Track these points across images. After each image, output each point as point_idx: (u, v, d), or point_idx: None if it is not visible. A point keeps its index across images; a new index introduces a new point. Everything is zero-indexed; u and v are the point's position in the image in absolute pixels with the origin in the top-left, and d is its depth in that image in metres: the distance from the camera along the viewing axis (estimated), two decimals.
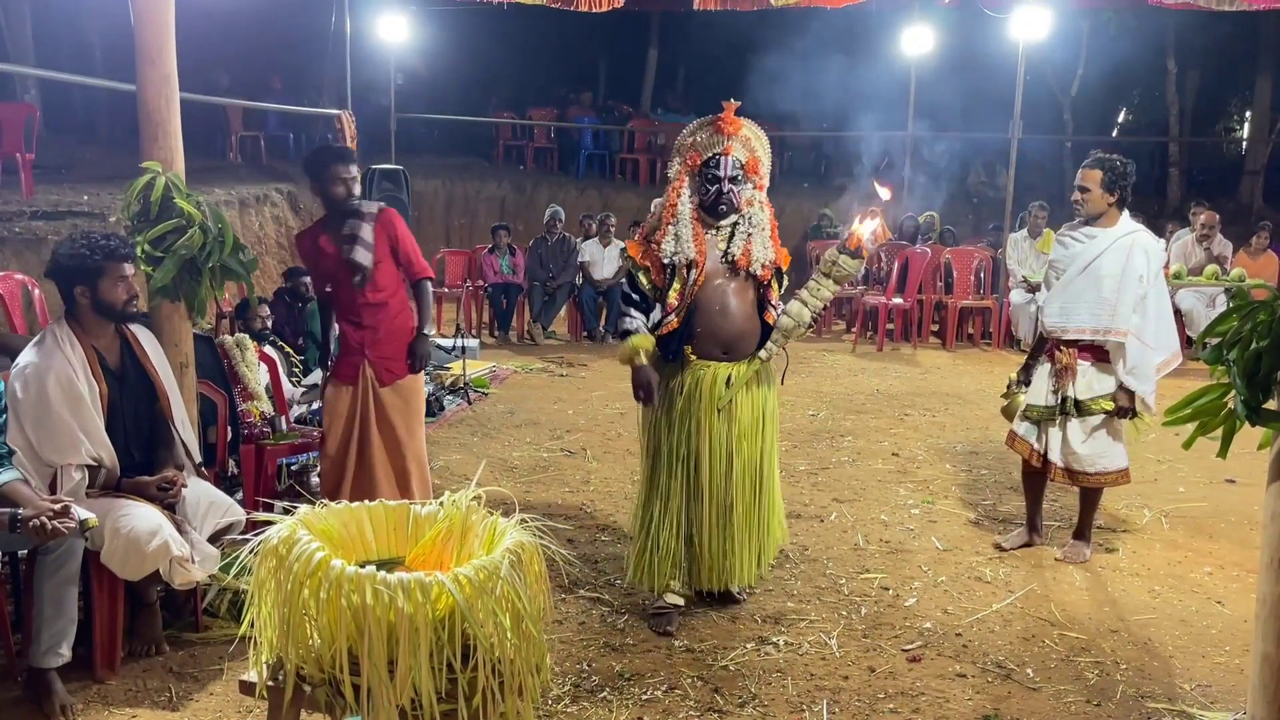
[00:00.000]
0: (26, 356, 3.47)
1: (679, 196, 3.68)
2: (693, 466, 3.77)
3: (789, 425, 7.07)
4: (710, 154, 3.64)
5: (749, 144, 3.66)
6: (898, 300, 10.46)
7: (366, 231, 4.37)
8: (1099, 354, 4.43)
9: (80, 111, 14.20)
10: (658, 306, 3.79)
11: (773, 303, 3.76)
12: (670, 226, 3.68)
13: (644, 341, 3.67)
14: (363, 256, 4.35)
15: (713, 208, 3.67)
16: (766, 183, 3.73)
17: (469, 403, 7.68)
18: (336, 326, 4.57)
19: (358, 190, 4.42)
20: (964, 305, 10.56)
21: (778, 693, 3.45)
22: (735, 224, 3.73)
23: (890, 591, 4.30)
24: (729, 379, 3.71)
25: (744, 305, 3.71)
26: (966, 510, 5.38)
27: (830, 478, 5.88)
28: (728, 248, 3.71)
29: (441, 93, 16.38)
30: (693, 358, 3.71)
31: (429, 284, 4.63)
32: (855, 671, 3.61)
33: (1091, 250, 4.39)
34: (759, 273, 3.69)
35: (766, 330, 3.77)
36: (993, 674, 3.61)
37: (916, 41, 12.38)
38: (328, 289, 4.54)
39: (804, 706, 3.35)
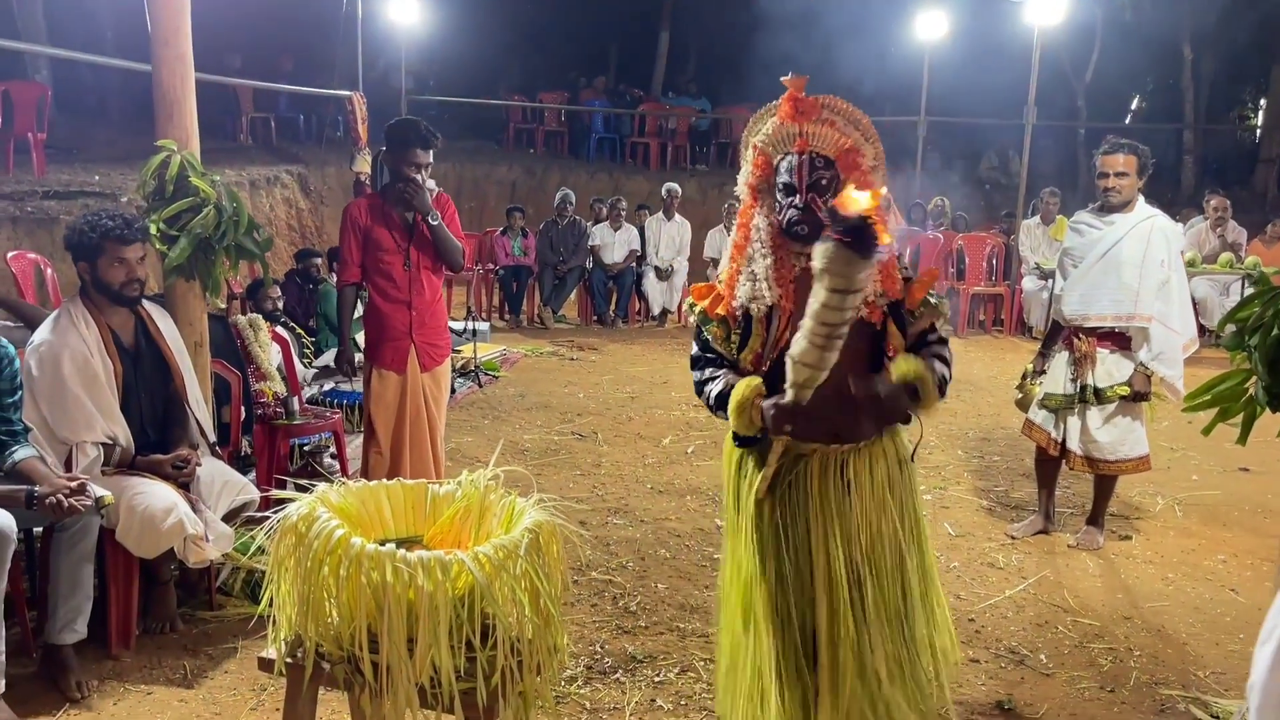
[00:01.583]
0: (42, 334, 3.48)
1: (749, 219, 2.51)
2: (799, 607, 2.49)
3: None
4: (780, 155, 2.44)
5: (834, 130, 2.39)
6: None
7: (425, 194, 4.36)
8: (1119, 341, 4.40)
9: (91, 92, 14.19)
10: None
11: (892, 354, 2.42)
12: (743, 266, 2.48)
13: (747, 386, 2.37)
14: (425, 196, 4.32)
15: (792, 229, 2.41)
16: (879, 180, 2.39)
17: (480, 385, 7.68)
18: (360, 315, 4.55)
19: (423, 177, 4.35)
20: (976, 291, 10.52)
21: None
22: None
23: None
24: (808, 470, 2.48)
25: (854, 363, 2.36)
26: (978, 497, 5.37)
27: None
28: None
29: (452, 75, 16.34)
30: (780, 439, 2.44)
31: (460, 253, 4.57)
32: None
33: (1110, 237, 4.35)
34: (864, 312, 2.35)
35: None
36: (1006, 660, 3.60)
37: (930, 26, 12.29)
38: (355, 277, 4.47)
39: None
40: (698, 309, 2.56)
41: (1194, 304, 8.92)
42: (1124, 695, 3.39)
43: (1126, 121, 18.58)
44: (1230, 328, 2.51)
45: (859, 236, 2.03)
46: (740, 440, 2.55)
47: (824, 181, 2.37)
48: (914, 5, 12.57)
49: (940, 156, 14.65)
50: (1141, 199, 4.40)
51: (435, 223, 4.36)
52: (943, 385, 2.38)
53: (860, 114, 2.45)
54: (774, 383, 2.38)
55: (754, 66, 16.00)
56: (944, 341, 2.50)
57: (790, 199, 2.39)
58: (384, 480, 2.44)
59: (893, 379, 2.26)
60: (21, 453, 3.21)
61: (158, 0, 3.81)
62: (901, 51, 13.17)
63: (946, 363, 2.46)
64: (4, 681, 2.95)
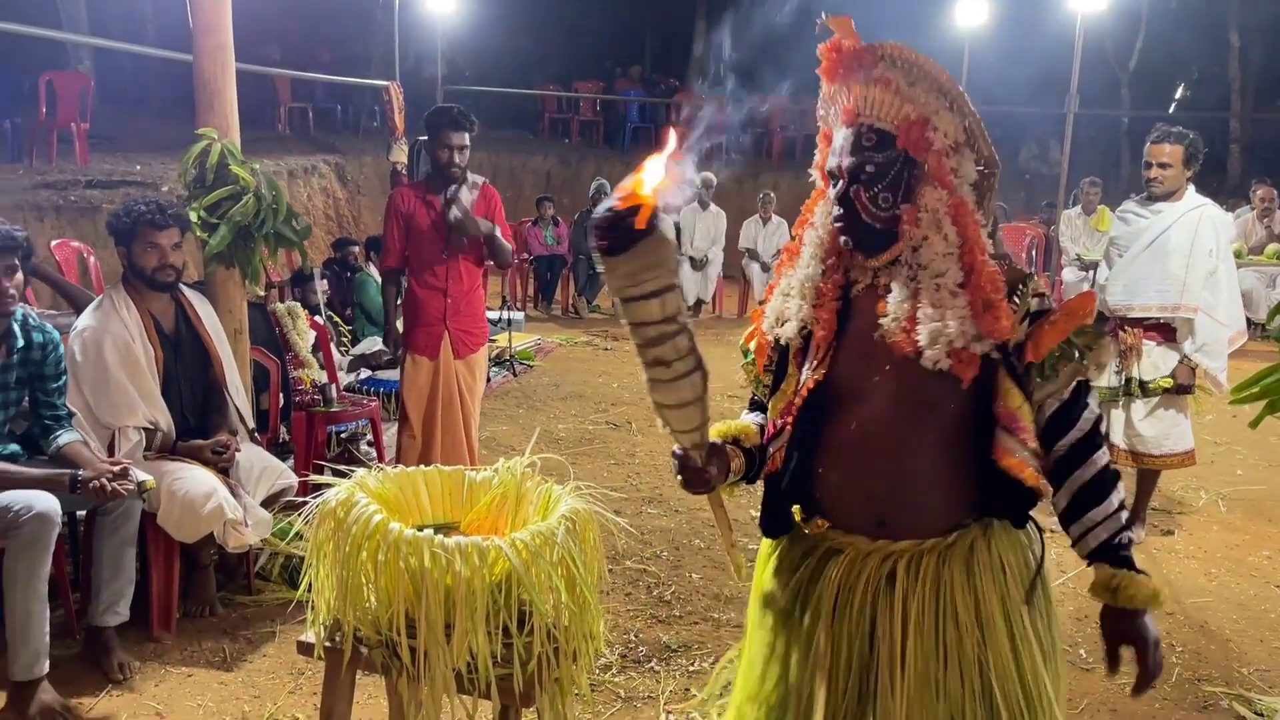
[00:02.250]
0: (85, 320, 3.53)
1: (808, 219, 1.87)
2: None
3: None
4: (836, 128, 1.82)
5: (893, 94, 1.70)
6: None
7: (467, 198, 4.41)
8: (1165, 332, 4.32)
9: (131, 82, 14.37)
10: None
11: (1010, 425, 1.66)
12: (785, 274, 1.88)
13: (726, 428, 1.93)
14: (475, 223, 4.38)
15: (845, 232, 1.76)
16: (967, 167, 1.70)
17: (515, 374, 7.70)
18: (402, 301, 4.60)
19: (461, 160, 4.40)
20: None
21: None
22: (895, 262, 1.75)
23: None
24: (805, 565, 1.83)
25: (915, 426, 1.71)
26: None
27: None
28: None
29: (489, 65, 16.37)
30: (809, 526, 1.81)
31: (510, 249, 4.61)
32: None
33: (1157, 226, 4.27)
34: (944, 364, 1.64)
35: (992, 482, 1.69)
36: None
37: (971, 13, 12.14)
38: (397, 263, 4.52)
39: None
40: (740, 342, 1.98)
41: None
42: (1165, 691, 3.34)
43: (1171, 110, 18.27)
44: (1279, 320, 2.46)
45: (607, 232, 1.53)
46: (764, 524, 1.90)
47: (871, 167, 1.69)
48: None
49: None
50: (1192, 188, 4.31)
51: (490, 232, 4.42)
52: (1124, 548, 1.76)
53: (940, 70, 1.68)
54: (798, 468, 1.78)
55: (791, 55, 15.92)
56: (1096, 429, 1.72)
57: (835, 187, 1.75)
58: (420, 466, 2.45)
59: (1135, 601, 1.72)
60: (66, 437, 3.26)
61: None
62: (940, 39, 13.01)
63: (1115, 479, 1.73)
64: (48, 662, 3.00)
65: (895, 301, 1.68)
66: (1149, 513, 4.70)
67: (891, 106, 1.69)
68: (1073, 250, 9.87)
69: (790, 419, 1.79)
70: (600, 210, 1.53)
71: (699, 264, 10.66)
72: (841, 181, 1.73)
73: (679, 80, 17.50)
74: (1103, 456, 1.72)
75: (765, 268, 10.62)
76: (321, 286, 6.62)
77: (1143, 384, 4.33)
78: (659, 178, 1.54)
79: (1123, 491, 1.75)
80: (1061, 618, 3.79)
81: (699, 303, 10.79)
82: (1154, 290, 4.27)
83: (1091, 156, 14.26)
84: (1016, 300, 1.66)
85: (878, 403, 1.72)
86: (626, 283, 1.56)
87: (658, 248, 1.53)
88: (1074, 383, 1.69)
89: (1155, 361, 4.32)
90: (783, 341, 1.82)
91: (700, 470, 1.78)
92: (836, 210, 1.76)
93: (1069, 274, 9.82)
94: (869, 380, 1.73)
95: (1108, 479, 1.72)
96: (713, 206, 10.91)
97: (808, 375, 1.78)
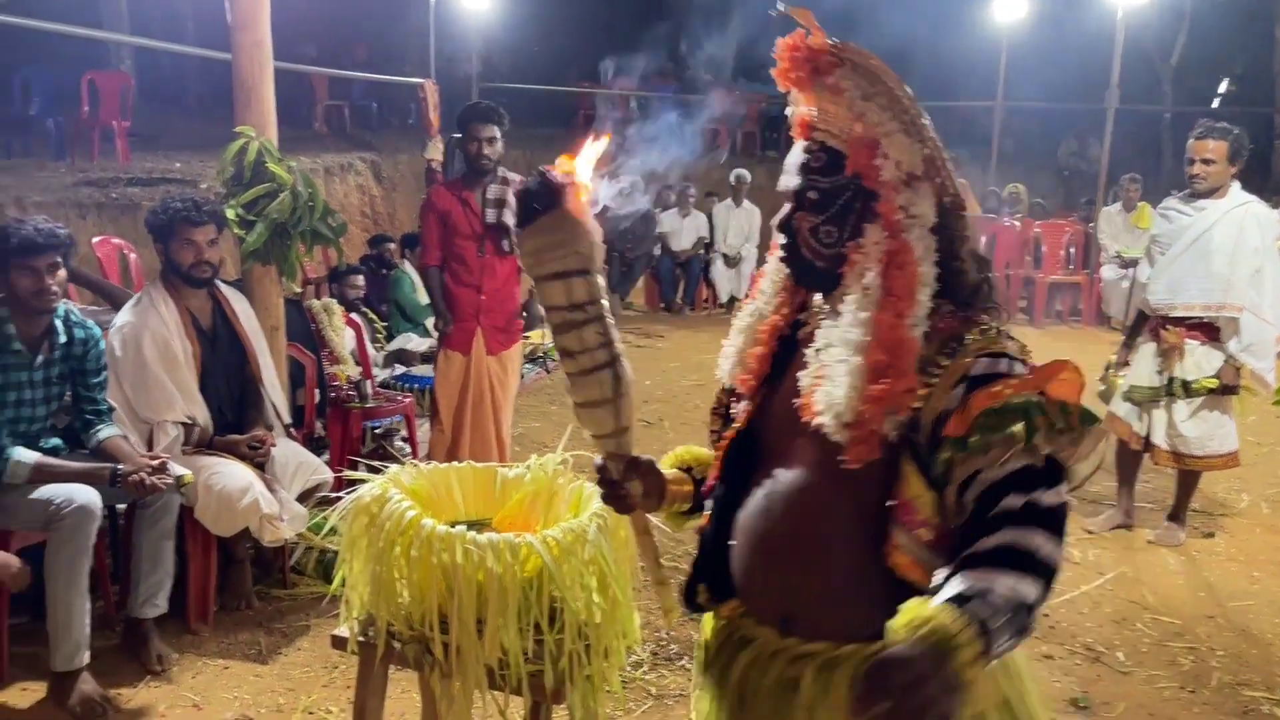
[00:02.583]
0: (124, 316, 3.57)
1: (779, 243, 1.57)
2: None
3: None
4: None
5: (849, 105, 1.42)
6: None
7: (512, 197, 4.45)
8: (1209, 332, 4.24)
9: (171, 80, 14.54)
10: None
11: (904, 517, 1.36)
12: (746, 305, 1.64)
13: (682, 454, 1.75)
14: (512, 221, 4.41)
15: (788, 264, 1.53)
16: (922, 206, 1.40)
17: (548, 371, 7.71)
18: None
19: (491, 152, 4.44)
20: (1053, 281, 10.27)
21: None
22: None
23: None
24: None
25: (832, 505, 1.43)
26: None
27: None
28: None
29: (523, 63, 16.42)
30: (720, 609, 1.59)
31: None
32: None
33: (1200, 224, 4.19)
34: (841, 437, 1.37)
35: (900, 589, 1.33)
36: (1081, 656, 3.52)
37: (1009, 7, 12.00)
38: (437, 260, 4.56)
39: None
40: None
41: None
42: (1205, 696, 3.29)
43: (1214, 105, 17.96)
44: None
45: (523, 202, 1.46)
46: (684, 591, 1.63)
47: (815, 193, 1.44)
48: None
49: (1017, 142, 14.33)
50: (1236, 185, 4.23)
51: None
52: (1019, 627, 1.21)
53: (899, 83, 1.40)
54: (714, 539, 1.55)
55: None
56: (1041, 517, 1.26)
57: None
58: (453, 463, 2.46)
59: (897, 633, 1.17)
60: (106, 431, 3.30)
61: None
62: (978, 34, 12.88)
63: (1030, 565, 1.23)
64: (88, 653, 3.04)
65: (813, 353, 1.42)
66: (1189, 514, 4.63)
67: (845, 122, 1.41)
68: (1112, 248, 9.73)
69: (716, 474, 1.57)
70: (532, 183, 1.46)
71: (733, 261, 10.62)
72: (786, 206, 1.49)
73: (713, 77, 17.44)
74: (1039, 543, 1.24)
75: None
76: (358, 282, 6.67)
77: (1186, 384, 4.25)
78: (592, 162, 1.49)
79: (1040, 599, 1.24)
80: (1098, 620, 3.76)
81: (732, 300, 10.75)
82: (1197, 289, 4.19)
83: (1132, 153, 14.07)
84: (943, 362, 1.34)
85: (797, 470, 1.44)
86: (532, 260, 1.48)
87: (563, 225, 1.44)
88: (1012, 465, 1.27)
89: (1199, 361, 4.25)
90: (725, 383, 1.60)
91: (614, 485, 1.57)
92: (779, 239, 1.51)
93: (1108, 271, 9.69)
94: (792, 441, 1.44)
95: (1031, 559, 1.24)
96: (746, 203, 10.87)
97: (729, 435, 1.56)
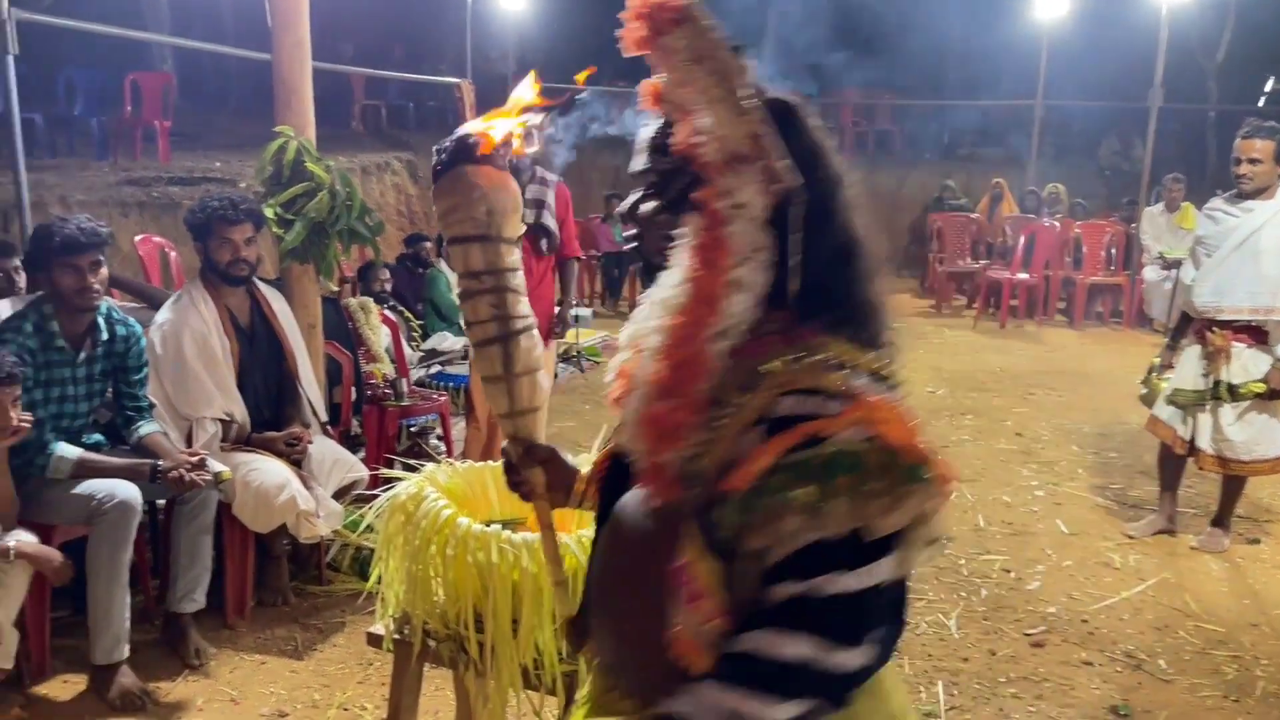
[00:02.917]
0: (164, 314, 3.61)
1: None
2: None
3: (908, 402, 6.90)
4: None
5: (676, 70, 1.16)
6: (1023, 275, 10.09)
7: (550, 198, 4.47)
8: (1256, 335, 4.15)
9: (211, 81, 14.70)
10: None
11: (680, 585, 1.11)
12: None
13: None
14: (550, 222, 4.45)
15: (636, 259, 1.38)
16: (747, 193, 1.12)
17: (581, 371, 7.73)
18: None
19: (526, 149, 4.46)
20: (1094, 282, 10.13)
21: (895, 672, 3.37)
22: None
23: (1012, 574, 4.17)
24: None
25: (634, 550, 1.23)
26: (1094, 494, 5.16)
27: (950, 456, 5.65)
28: None
29: (559, 62, 16.43)
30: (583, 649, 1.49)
31: (576, 264, 4.71)
32: (975, 654, 3.51)
33: (1247, 225, 4.10)
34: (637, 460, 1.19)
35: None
36: (1121, 663, 3.46)
37: (1050, 4, 11.84)
38: None
39: (921, 687, 3.28)
40: None
41: None
42: (1249, 705, 3.22)
43: (1261, 104, 17.64)
44: None
45: (438, 160, 1.42)
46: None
47: (655, 176, 1.26)
48: None
49: (1057, 141, 14.15)
50: None
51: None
52: None
53: (725, 47, 1.16)
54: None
55: (861, 49, 15.68)
56: (808, 616, 1.03)
57: None
58: (489, 462, 2.46)
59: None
60: (147, 428, 3.34)
61: None
62: (1017, 31, 12.73)
63: (772, 683, 1.03)
64: (128, 647, 3.08)
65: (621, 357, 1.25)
66: (1233, 520, 4.54)
67: (673, 93, 1.18)
68: (1155, 249, 9.58)
69: (593, 496, 1.42)
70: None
71: None
72: (634, 192, 1.30)
73: None
74: (805, 663, 1.04)
75: None
76: (383, 275, 6.70)
77: (1232, 388, 4.16)
78: (507, 128, 1.40)
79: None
80: (1139, 627, 3.70)
81: None
82: (1244, 291, 4.10)
83: (1175, 152, 13.85)
84: (736, 397, 1.08)
85: (633, 499, 1.23)
86: (441, 221, 1.44)
87: (457, 188, 1.38)
88: (801, 539, 1.02)
89: (1245, 365, 4.16)
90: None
91: (512, 468, 1.48)
92: (630, 229, 1.33)
93: (1150, 273, 9.54)
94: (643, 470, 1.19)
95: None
96: None
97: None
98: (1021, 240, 10.19)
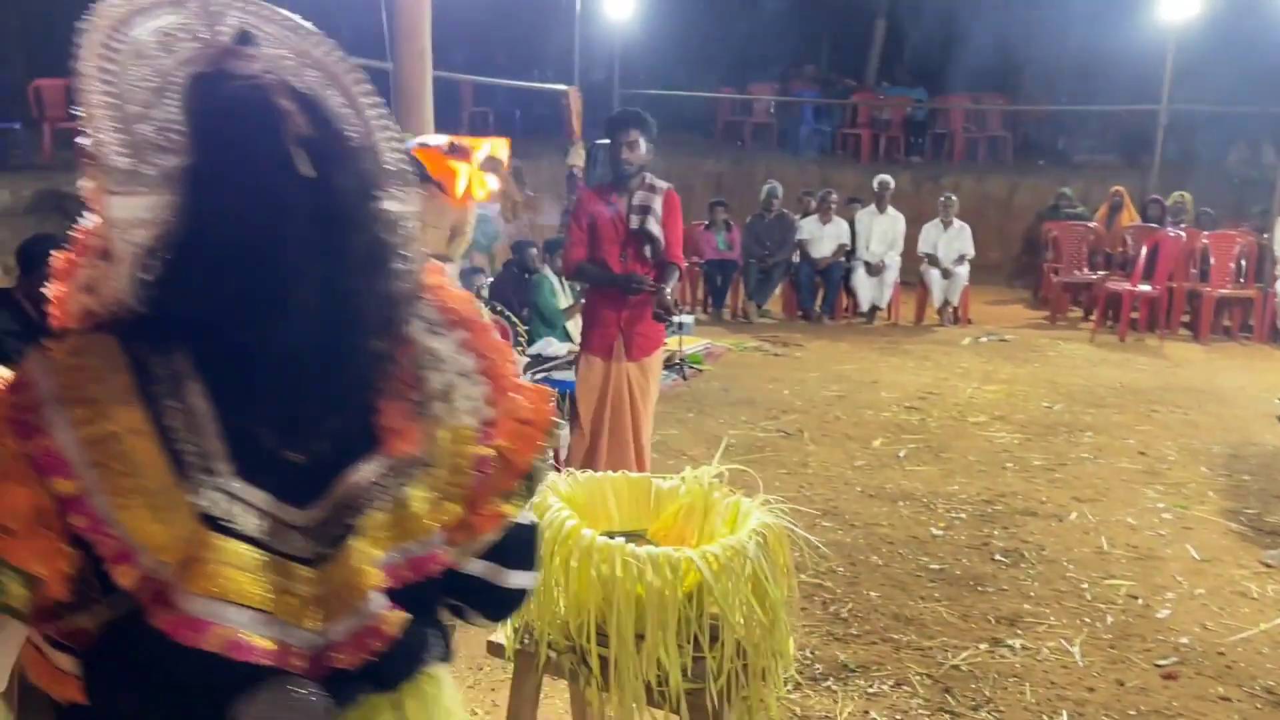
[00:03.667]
0: None
1: None
2: None
3: (1022, 416, 6.69)
4: None
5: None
6: (1144, 287, 9.69)
7: (658, 205, 4.49)
8: None
9: None
10: None
11: None
12: None
13: None
14: (655, 229, 4.47)
15: None
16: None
17: (684, 378, 7.69)
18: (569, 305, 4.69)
19: (632, 157, 4.47)
20: (1222, 294, 9.68)
21: (1015, 699, 3.25)
22: None
23: (1139, 601, 3.98)
24: None
25: None
26: (1226, 519, 4.91)
27: (1069, 474, 5.51)
28: None
29: (663, 68, 16.46)
30: None
31: (677, 270, 4.68)
32: (1101, 684, 3.35)
33: None
34: None
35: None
36: (1262, 700, 3.27)
37: (1178, 7, 11.38)
38: (582, 256, 4.60)
39: (1044, 716, 3.15)
40: None
41: None
42: None
43: None
44: None
45: None
46: None
47: None
48: None
49: (1182, 148, 13.58)
50: None
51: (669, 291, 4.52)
52: None
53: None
54: None
55: (975, 54, 15.33)
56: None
57: None
58: (606, 472, 2.44)
59: None
60: None
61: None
62: (1140, 34, 12.27)
63: None
64: None
65: None
66: None
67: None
68: None
69: None
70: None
71: (875, 269, 10.38)
72: None
73: (857, 80, 17.13)
74: None
75: (946, 274, 10.26)
76: (479, 281, 6.77)
77: None
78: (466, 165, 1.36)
79: None
80: (1258, 642, 3.50)
81: (874, 309, 10.51)
82: None
83: None
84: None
85: None
86: None
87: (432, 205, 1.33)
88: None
89: None
90: None
91: None
92: None
93: None
94: None
95: None
96: (890, 210, 10.61)
97: None
98: (1144, 250, 9.80)
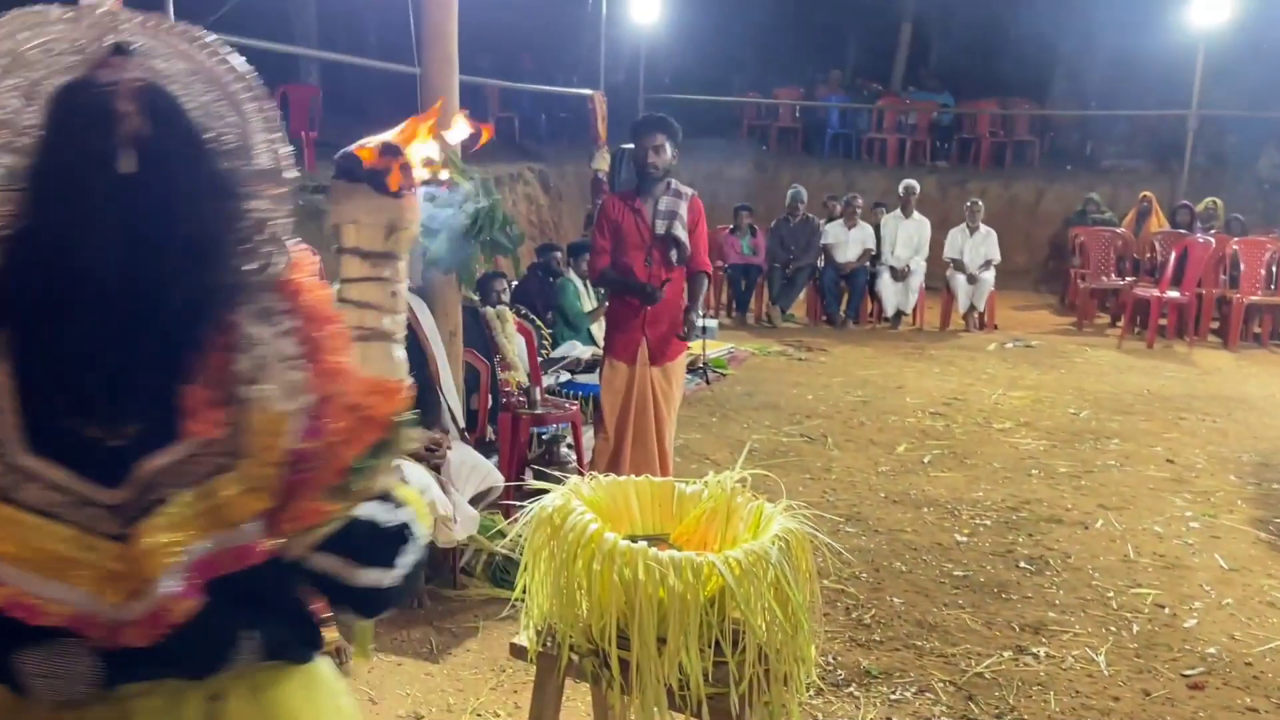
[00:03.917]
0: None
1: None
2: None
3: (1048, 423, 6.65)
4: None
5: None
6: (1173, 293, 9.60)
7: (683, 210, 4.50)
8: None
9: (353, 92, 15.23)
10: None
11: None
12: None
13: None
14: (681, 234, 4.48)
15: None
16: None
17: (708, 383, 7.68)
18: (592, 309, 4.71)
19: (657, 161, 4.49)
20: (1252, 301, 9.57)
21: (1039, 707, 3.23)
22: None
23: (1166, 610, 3.94)
24: None
25: None
26: (1256, 528, 4.86)
27: (1095, 482, 5.46)
28: None
29: (688, 73, 16.47)
30: None
31: (706, 279, 4.72)
32: (1127, 694, 3.33)
33: None
34: None
35: None
36: None
37: (1208, 10, 11.27)
38: (605, 264, 4.61)
39: None
40: None
41: None
42: None
43: None
44: None
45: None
46: None
47: None
48: None
49: (1212, 153, 13.46)
50: None
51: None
52: None
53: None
54: None
55: (1002, 58, 15.22)
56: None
57: None
58: (630, 476, 2.45)
59: None
60: None
61: (429, 3, 4.00)
62: (1170, 37, 12.16)
63: None
64: None
65: None
66: None
67: None
68: None
69: None
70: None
71: (900, 274, 10.34)
72: None
73: (882, 85, 17.07)
74: None
75: (971, 279, 10.20)
76: (499, 286, 6.78)
77: None
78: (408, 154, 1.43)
79: None
80: None
81: (899, 314, 10.47)
82: None
83: None
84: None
85: None
86: (338, 229, 1.48)
87: (366, 203, 1.43)
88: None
89: None
90: None
91: None
92: None
93: None
94: None
95: None
96: (916, 214, 10.57)
97: None
98: (1172, 256, 9.71)
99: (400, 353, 1.46)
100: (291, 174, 1.18)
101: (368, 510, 1.18)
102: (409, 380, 1.40)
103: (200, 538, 1.09)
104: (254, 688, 1.19)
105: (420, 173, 1.45)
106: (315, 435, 1.11)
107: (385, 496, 1.21)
